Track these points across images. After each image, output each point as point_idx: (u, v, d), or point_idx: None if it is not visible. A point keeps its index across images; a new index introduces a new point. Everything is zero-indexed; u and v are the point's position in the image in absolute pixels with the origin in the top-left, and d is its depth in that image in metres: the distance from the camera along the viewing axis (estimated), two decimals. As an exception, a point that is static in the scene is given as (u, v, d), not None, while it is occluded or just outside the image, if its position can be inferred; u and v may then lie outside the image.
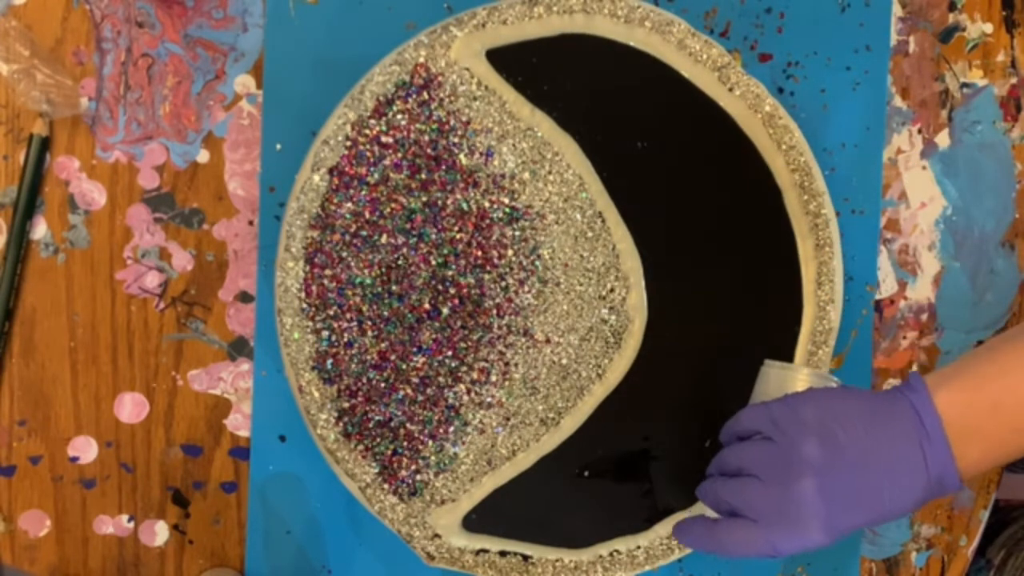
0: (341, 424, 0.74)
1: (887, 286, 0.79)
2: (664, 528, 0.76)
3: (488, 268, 0.74)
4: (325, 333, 0.74)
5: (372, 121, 0.73)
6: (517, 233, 0.74)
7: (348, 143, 0.73)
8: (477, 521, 0.76)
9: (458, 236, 0.74)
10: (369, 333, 0.74)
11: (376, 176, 0.73)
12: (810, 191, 0.74)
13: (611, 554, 0.76)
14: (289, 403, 0.76)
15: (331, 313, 0.74)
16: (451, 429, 0.75)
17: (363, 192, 0.73)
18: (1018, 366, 0.63)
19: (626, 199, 0.75)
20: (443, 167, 0.74)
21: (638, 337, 0.75)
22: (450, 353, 0.75)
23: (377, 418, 0.74)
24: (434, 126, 0.74)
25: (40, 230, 0.76)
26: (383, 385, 0.74)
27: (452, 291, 0.74)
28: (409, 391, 0.74)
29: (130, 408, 0.77)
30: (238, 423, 0.77)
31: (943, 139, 0.79)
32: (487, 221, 0.74)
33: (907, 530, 0.79)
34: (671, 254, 0.75)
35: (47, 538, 0.77)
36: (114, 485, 0.77)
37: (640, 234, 0.75)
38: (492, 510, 0.75)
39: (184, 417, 0.77)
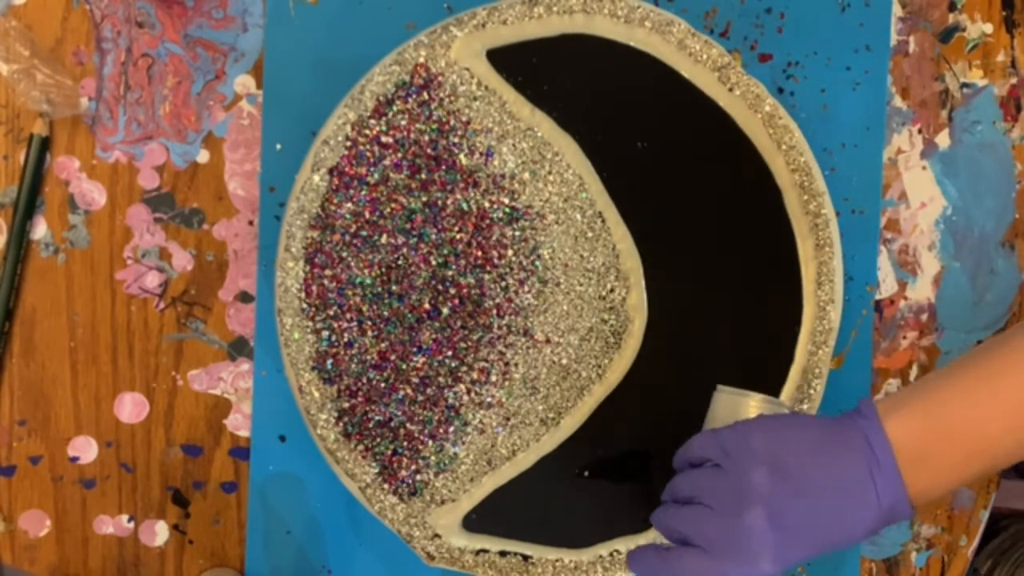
0: (341, 424, 0.74)
1: (887, 286, 0.79)
2: (664, 528, 0.76)
3: (488, 268, 0.74)
4: (325, 333, 0.74)
5: (372, 121, 0.73)
6: (517, 233, 0.74)
7: (348, 143, 0.73)
8: (477, 521, 0.76)
9: (458, 236, 0.74)
10: (369, 333, 0.74)
11: (376, 176, 0.73)
12: (810, 191, 0.74)
13: (611, 554, 0.76)
14: (289, 403, 0.76)
15: (331, 313, 0.74)
16: (451, 429, 0.75)
17: (363, 192, 0.73)
18: (972, 391, 0.62)
19: (626, 199, 0.75)
20: (443, 167, 0.74)
21: (638, 337, 0.75)
22: (450, 353, 0.74)
23: (377, 418, 0.74)
24: (434, 126, 0.74)
25: (40, 230, 0.76)
26: (383, 385, 0.74)
27: (452, 291, 0.74)
28: (409, 391, 0.74)
29: (130, 408, 0.77)
30: (238, 423, 0.77)
31: (943, 139, 0.79)
32: (487, 221, 0.74)
33: (907, 530, 0.79)
34: (671, 254, 0.75)
35: (47, 538, 0.77)
36: (114, 485, 0.77)
37: (640, 234, 0.75)
38: (492, 510, 0.75)
39: (184, 417, 0.77)
